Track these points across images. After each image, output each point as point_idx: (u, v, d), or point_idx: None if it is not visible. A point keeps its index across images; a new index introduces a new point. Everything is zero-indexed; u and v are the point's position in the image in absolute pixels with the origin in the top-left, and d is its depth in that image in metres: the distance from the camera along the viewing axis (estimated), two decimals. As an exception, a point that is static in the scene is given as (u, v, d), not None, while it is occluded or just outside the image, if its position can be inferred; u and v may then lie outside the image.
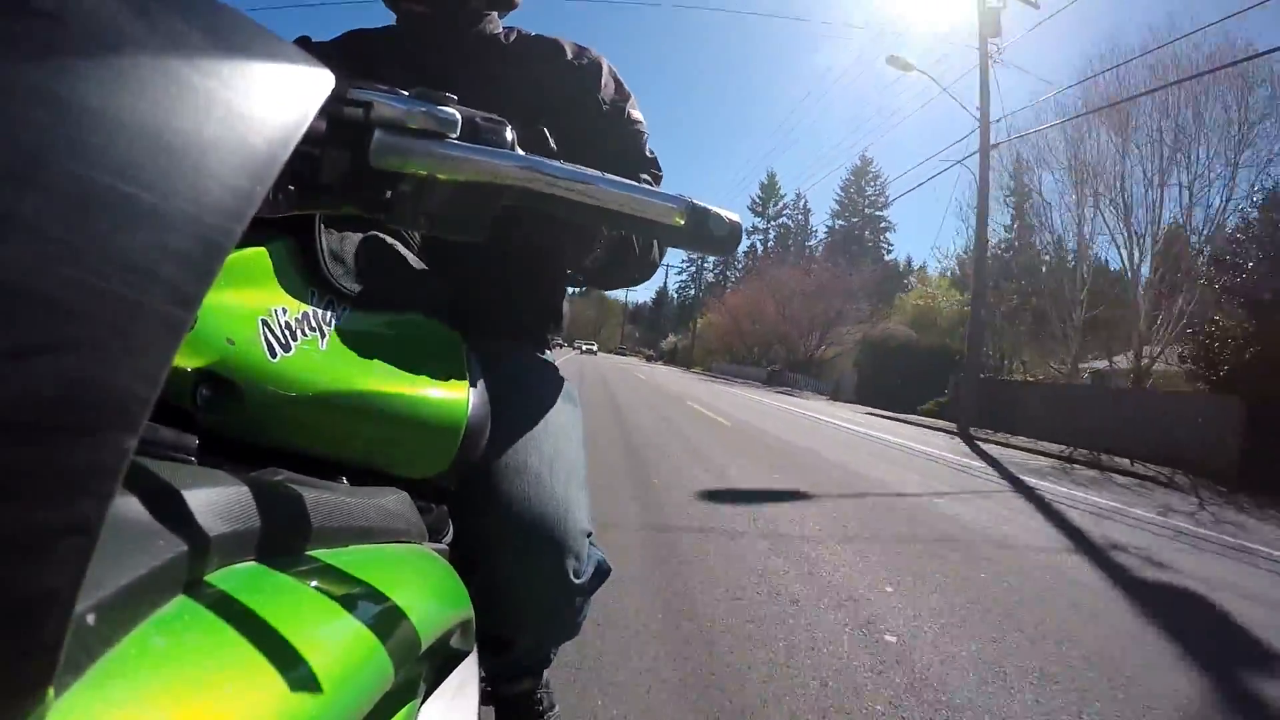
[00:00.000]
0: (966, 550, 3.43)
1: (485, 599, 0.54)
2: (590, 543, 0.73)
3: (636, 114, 0.88)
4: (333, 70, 0.25)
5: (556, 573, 0.66)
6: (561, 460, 0.73)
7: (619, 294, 79.37)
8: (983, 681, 1.91)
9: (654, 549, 2.79)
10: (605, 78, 0.87)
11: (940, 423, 14.50)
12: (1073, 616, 2.62)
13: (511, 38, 0.87)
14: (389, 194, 0.39)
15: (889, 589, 2.66)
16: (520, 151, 0.40)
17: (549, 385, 0.83)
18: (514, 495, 0.66)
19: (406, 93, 0.37)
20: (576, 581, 0.68)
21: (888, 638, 2.16)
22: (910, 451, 8.49)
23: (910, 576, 2.86)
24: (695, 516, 3.42)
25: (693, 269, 65.43)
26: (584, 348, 45.60)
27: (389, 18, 0.86)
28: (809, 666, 1.87)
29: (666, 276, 75.43)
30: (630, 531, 3.00)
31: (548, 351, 0.94)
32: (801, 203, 38.38)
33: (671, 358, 50.36)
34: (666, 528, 3.15)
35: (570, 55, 0.87)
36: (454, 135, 0.38)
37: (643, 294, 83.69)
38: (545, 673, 0.94)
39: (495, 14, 0.87)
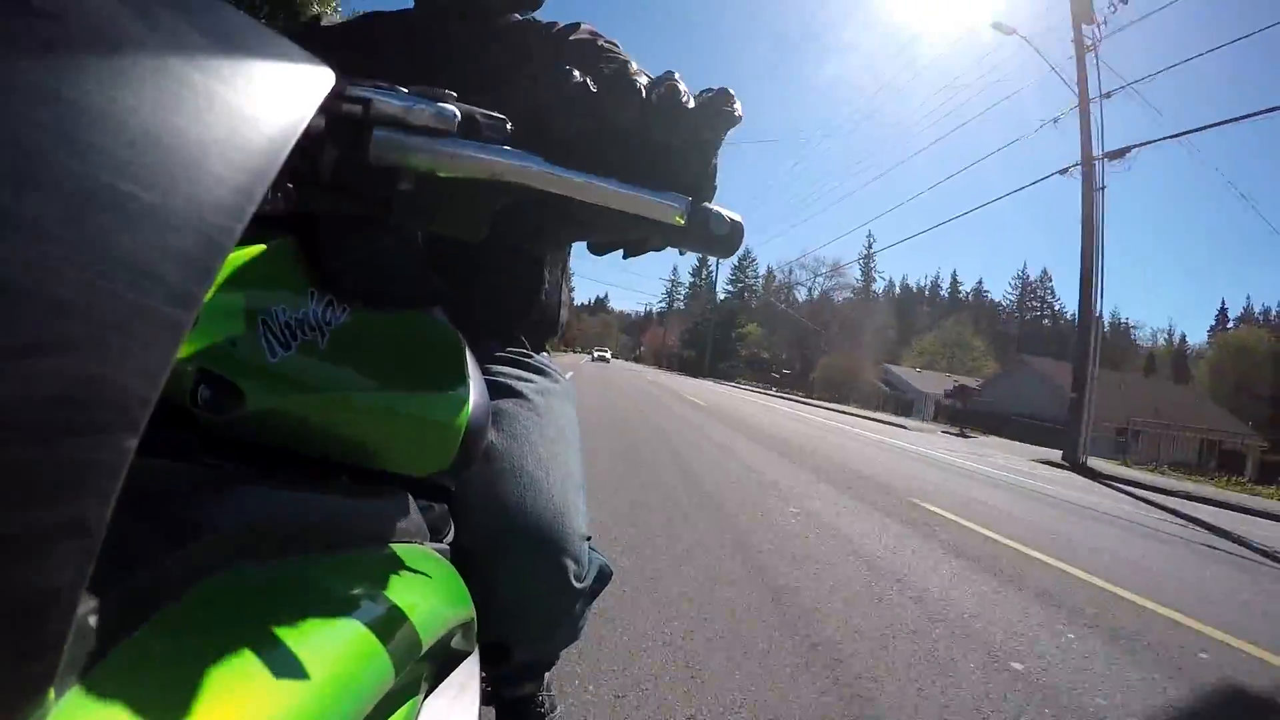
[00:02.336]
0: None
1: (484, 606, 0.54)
2: (590, 547, 0.73)
3: (598, 35, 0.83)
4: (332, 66, 0.25)
5: (556, 577, 0.65)
6: (558, 464, 0.72)
7: (620, 307, 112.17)
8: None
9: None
10: (572, 25, 0.84)
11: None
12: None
13: (511, 30, 0.86)
14: (389, 192, 0.39)
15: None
16: (519, 149, 0.40)
17: (546, 386, 0.83)
18: (510, 500, 0.65)
19: (405, 89, 0.37)
20: (577, 586, 0.67)
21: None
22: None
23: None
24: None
25: (667, 296, 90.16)
26: (596, 354, 50.81)
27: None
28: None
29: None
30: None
31: (545, 352, 0.94)
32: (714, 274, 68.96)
33: (639, 359, 79.85)
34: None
35: (546, 23, 0.85)
36: (453, 132, 0.37)
37: (639, 307, 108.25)
38: (547, 675, 0.94)
39: (515, 14, 0.86)
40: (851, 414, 23.07)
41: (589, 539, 0.72)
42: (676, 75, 0.42)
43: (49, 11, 0.16)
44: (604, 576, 0.78)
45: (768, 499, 4.26)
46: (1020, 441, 20.27)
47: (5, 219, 0.14)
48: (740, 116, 0.42)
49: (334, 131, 0.36)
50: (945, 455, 10.62)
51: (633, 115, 0.40)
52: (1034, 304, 78.84)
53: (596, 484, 3.57)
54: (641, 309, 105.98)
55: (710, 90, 0.43)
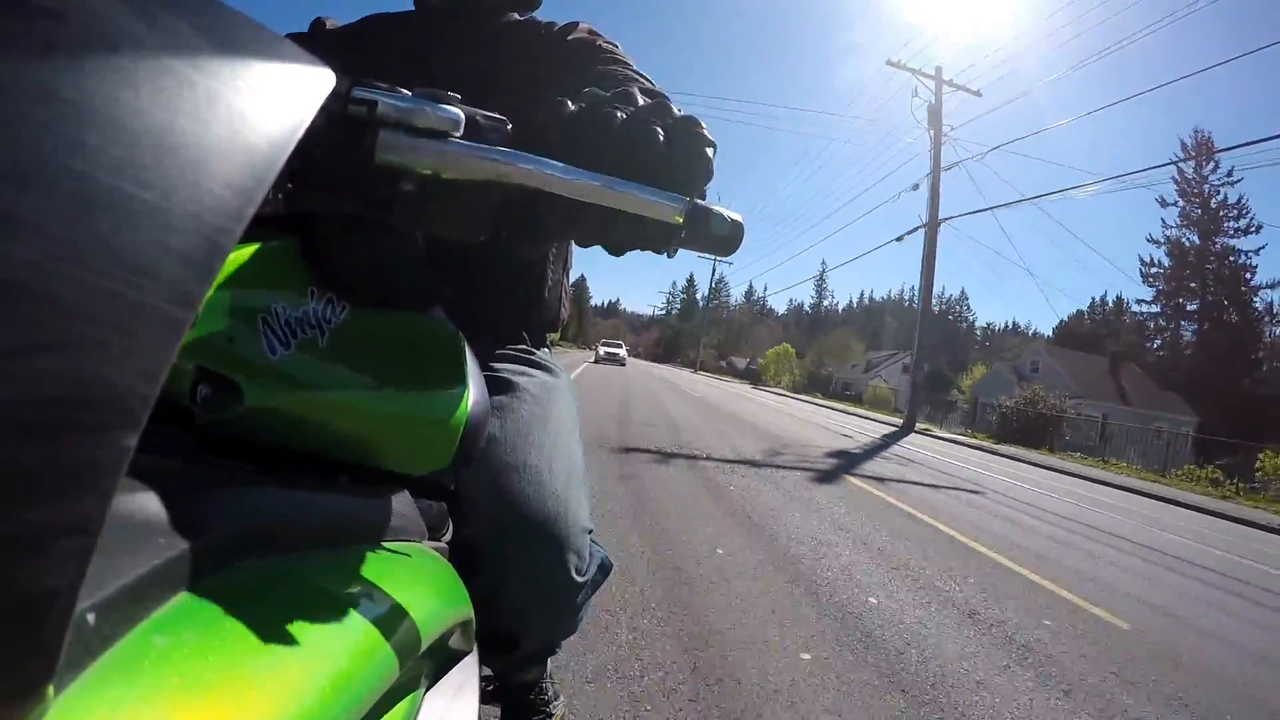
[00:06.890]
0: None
1: (489, 599, 0.54)
2: (591, 540, 0.73)
3: (596, 34, 0.83)
4: (334, 67, 0.25)
5: (559, 570, 0.66)
6: (560, 458, 0.73)
7: (632, 309, 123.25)
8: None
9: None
10: (571, 24, 0.84)
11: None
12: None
13: (510, 29, 0.86)
14: (390, 193, 0.39)
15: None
16: (520, 151, 0.40)
17: (547, 380, 0.83)
18: (514, 493, 0.66)
19: (408, 91, 0.37)
20: (579, 579, 0.68)
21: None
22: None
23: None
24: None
25: (665, 305, 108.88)
26: (604, 349, 36.80)
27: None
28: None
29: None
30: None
31: (546, 350, 0.94)
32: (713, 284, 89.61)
33: (638, 355, 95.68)
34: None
35: (545, 23, 0.86)
36: (457, 134, 0.38)
37: (645, 309, 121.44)
38: (550, 662, 0.95)
39: (514, 14, 0.86)
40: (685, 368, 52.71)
41: (590, 531, 0.73)
42: (677, 109, 0.44)
43: (50, 11, 0.16)
44: (604, 569, 0.79)
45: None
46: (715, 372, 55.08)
47: (5, 219, 0.14)
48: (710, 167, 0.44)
49: (337, 132, 0.36)
50: (679, 372, 39.09)
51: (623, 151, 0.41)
52: (951, 317, 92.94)
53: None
54: (650, 310, 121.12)
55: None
